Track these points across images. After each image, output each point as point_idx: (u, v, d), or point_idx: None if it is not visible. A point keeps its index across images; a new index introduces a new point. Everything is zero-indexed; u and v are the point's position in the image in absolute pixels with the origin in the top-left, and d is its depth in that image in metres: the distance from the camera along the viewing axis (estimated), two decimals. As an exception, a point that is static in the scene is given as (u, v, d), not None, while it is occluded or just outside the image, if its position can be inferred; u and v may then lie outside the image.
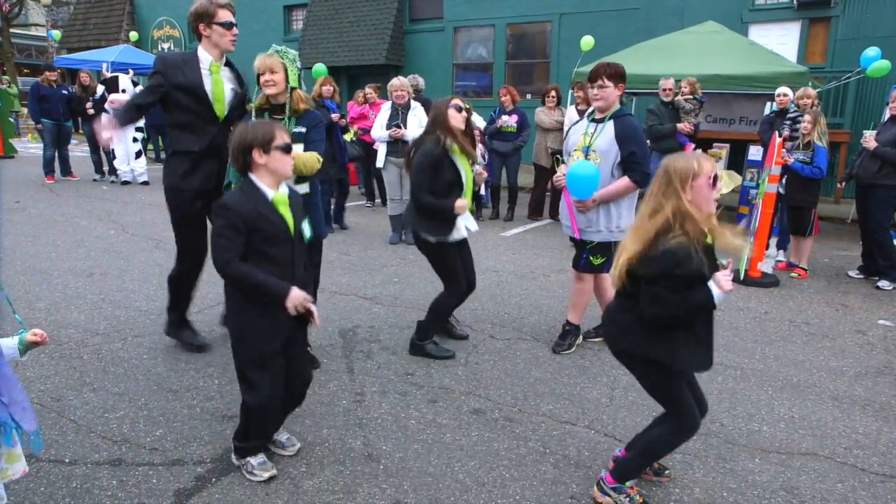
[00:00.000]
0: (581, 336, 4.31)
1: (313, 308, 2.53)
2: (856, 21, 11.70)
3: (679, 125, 7.45)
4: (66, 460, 2.75)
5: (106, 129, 3.41)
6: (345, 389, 3.51)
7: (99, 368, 3.67)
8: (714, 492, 2.70)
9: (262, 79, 3.35)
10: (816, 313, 5.05)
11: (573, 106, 7.98)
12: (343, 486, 2.63)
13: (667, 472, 2.79)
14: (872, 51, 7.95)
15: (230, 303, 2.61)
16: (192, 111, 3.61)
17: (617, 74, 3.82)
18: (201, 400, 3.35)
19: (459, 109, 3.90)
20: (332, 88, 7.60)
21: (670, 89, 7.61)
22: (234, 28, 3.59)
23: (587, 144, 3.87)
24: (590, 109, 4.05)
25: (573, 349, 4.19)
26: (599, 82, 3.81)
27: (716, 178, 2.28)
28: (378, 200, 9.40)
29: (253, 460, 2.68)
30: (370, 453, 2.89)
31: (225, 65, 3.70)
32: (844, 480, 2.79)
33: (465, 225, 3.94)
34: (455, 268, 3.98)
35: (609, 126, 3.83)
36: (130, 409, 3.23)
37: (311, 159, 3.35)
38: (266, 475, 2.65)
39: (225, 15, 3.54)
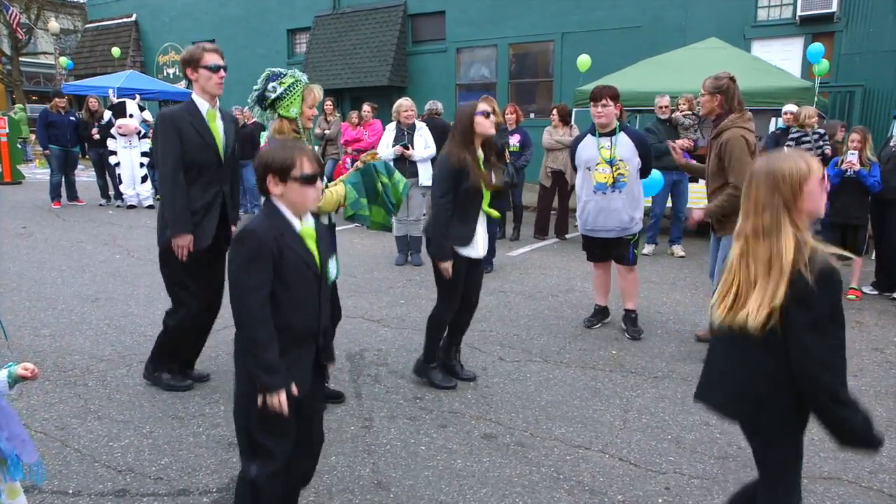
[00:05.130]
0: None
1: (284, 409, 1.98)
2: (859, 36, 11.72)
3: (678, 141, 7.42)
4: (70, 491, 2.69)
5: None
6: (353, 415, 3.44)
7: (104, 395, 3.62)
8: (735, 518, 2.61)
9: (310, 112, 3.44)
10: (831, 330, 4.96)
11: None
12: (352, 517, 2.56)
13: None
14: (816, 47, 8.60)
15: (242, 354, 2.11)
16: (200, 164, 3.54)
17: (616, 95, 4.54)
18: (207, 427, 3.29)
19: (487, 115, 3.61)
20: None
21: (666, 106, 7.58)
22: (222, 71, 3.57)
23: (610, 157, 4.49)
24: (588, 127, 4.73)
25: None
26: (603, 101, 4.45)
27: (824, 176, 1.90)
28: None
29: None
30: (380, 481, 2.82)
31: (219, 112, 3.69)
32: (870, 505, 2.71)
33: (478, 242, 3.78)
34: (455, 286, 3.75)
35: (623, 137, 4.52)
36: (135, 437, 3.17)
37: (337, 196, 3.45)
38: None
39: (211, 58, 3.52)
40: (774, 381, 1.86)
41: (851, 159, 5.53)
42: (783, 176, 1.83)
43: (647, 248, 7.70)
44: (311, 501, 2.67)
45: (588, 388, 3.84)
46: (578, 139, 4.80)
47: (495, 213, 4.00)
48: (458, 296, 3.83)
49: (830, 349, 1.76)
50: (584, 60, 10.79)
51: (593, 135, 4.61)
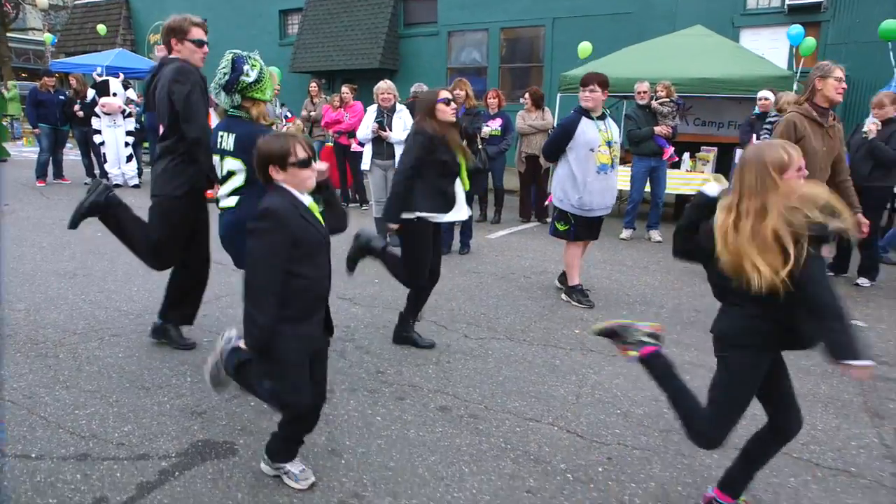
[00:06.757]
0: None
1: None
2: (846, 25, 11.77)
3: (657, 128, 7.50)
4: (33, 455, 2.80)
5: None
6: (315, 387, 3.56)
7: (73, 367, 3.72)
8: (669, 486, 2.75)
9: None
10: (792, 314, 5.08)
11: None
12: (303, 481, 2.68)
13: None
14: (796, 28, 9.01)
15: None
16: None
17: (605, 83, 4.84)
18: (172, 397, 3.39)
19: (447, 103, 3.91)
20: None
21: (645, 92, 7.64)
22: (205, 47, 3.70)
23: (608, 139, 4.89)
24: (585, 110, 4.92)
25: None
26: (591, 87, 4.78)
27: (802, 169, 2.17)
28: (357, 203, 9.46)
29: (293, 468, 2.64)
30: (333, 448, 2.94)
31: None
32: (797, 475, 2.84)
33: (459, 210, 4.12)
34: (423, 259, 4.07)
35: (610, 121, 5.02)
36: (101, 405, 3.27)
37: None
38: (308, 482, 2.63)
39: (198, 33, 3.65)
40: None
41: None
42: (770, 162, 2.13)
43: (626, 234, 7.80)
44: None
45: (547, 365, 3.96)
46: (572, 122, 4.88)
47: (466, 183, 4.19)
48: (426, 272, 4.11)
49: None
50: (584, 47, 10.75)
51: (589, 118, 4.84)
